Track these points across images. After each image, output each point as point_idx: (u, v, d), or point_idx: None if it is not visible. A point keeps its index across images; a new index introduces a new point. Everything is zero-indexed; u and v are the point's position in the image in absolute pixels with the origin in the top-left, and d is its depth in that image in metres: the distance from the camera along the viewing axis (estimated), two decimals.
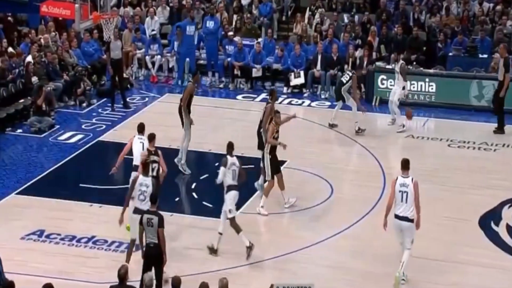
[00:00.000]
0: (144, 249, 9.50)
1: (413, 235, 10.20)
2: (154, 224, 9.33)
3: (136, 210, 10.14)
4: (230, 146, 10.93)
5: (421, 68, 17.77)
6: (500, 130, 15.61)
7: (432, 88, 17.36)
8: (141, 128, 11.54)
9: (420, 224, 10.21)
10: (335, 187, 13.23)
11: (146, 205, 9.97)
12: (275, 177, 12.24)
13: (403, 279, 10.28)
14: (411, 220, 10.13)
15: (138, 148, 11.31)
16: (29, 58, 16.74)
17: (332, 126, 15.41)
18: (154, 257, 9.40)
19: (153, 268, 9.28)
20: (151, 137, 11.16)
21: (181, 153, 13.39)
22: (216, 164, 14.01)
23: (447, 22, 19.04)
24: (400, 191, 10.08)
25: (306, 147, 14.92)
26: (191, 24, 18.12)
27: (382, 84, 17.59)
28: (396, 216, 10.20)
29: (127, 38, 18.58)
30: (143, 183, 10.17)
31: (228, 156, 10.89)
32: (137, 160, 11.17)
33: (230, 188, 10.89)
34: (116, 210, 12.10)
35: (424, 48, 18.48)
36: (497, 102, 15.67)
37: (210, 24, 18.29)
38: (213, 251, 10.77)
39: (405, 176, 10.23)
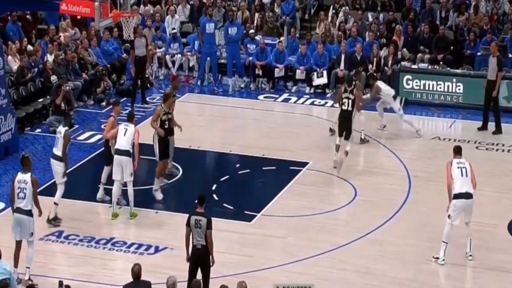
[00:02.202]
0: (190, 250, 9.51)
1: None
2: (202, 225, 9.38)
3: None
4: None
5: (448, 68, 17.67)
6: (498, 130, 15.62)
7: (459, 89, 17.26)
8: (130, 117, 12.21)
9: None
10: (359, 189, 13.19)
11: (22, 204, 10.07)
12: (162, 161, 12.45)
13: (471, 255, 10.90)
14: (472, 196, 10.72)
15: (121, 134, 11.90)
16: (49, 57, 16.90)
17: (332, 131, 15.11)
18: (202, 259, 9.44)
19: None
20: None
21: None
22: (237, 165, 14.14)
23: (476, 21, 18.91)
24: (458, 167, 10.73)
25: (330, 148, 14.88)
26: (210, 22, 18.11)
27: (408, 84, 17.51)
28: (460, 196, 10.69)
29: (147, 36, 18.66)
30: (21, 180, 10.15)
31: None
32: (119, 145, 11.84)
33: None
34: (137, 211, 12.25)
35: (451, 47, 18.38)
36: (494, 103, 15.59)
37: (232, 31, 18.11)
38: None
39: (459, 158, 10.87)
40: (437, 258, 10.89)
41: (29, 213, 10.13)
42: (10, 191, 10.31)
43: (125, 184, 12.00)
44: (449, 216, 10.78)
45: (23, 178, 10.17)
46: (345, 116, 13.62)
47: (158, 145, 12.49)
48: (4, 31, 17.15)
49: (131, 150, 11.90)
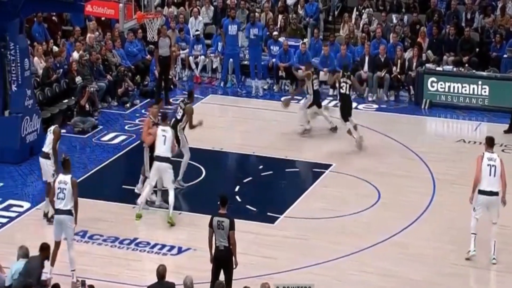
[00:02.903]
0: (213, 252, 9.59)
1: (499, 209, 10.78)
2: (225, 226, 9.46)
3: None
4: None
5: (474, 71, 17.59)
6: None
7: (485, 91, 17.17)
8: (164, 117, 12.43)
9: (506, 201, 10.75)
10: (382, 192, 13.20)
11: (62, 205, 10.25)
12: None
13: (494, 258, 10.84)
14: (497, 193, 10.72)
15: (161, 142, 12.07)
16: (75, 55, 17.07)
17: (305, 131, 15.33)
18: (224, 260, 9.51)
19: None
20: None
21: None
22: (260, 167, 14.21)
23: (502, 22, 18.80)
24: (488, 165, 10.73)
25: (353, 151, 14.91)
26: (233, 24, 18.20)
27: (432, 86, 17.47)
28: (483, 192, 10.75)
29: (170, 38, 18.79)
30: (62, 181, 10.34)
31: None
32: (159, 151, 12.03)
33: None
34: (160, 212, 12.39)
35: (477, 49, 18.29)
36: None
37: (253, 32, 18.10)
38: None
39: (491, 152, 10.80)
40: (469, 251, 10.98)
41: (69, 212, 10.28)
42: (51, 193, 10.48)
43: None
44: (474, 208, 10.91)
45: (64, 179, 10.37)
46: (345, 99, 14.81)
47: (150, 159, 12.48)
48: (30, 32, 17.38)
49: (171, 157, 12.00)
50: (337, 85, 15.15)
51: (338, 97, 15.08)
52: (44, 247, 9.12)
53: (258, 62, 18.38)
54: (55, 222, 10.41)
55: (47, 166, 11.85)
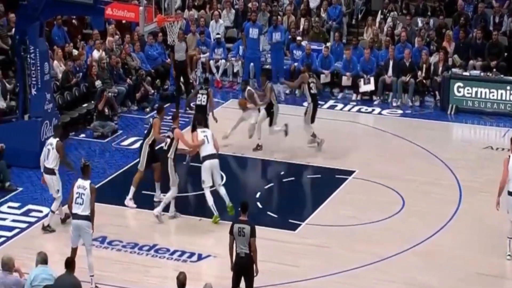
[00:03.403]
0: (234, 259, 9.64)
1: None
2: (246, 233, 9.51)
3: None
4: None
5: (502, 76, 17.52)
6: None
7: None
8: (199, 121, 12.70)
9: None
10: (407, 199, 13.18)
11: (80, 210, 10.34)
12: (154, 167, 12.66)
13: (509, 255, 10.95)
14: None
15: (205, 142, 12.41)
16: (95, 54, 17.19)
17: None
18: (245, 267, 9.55)
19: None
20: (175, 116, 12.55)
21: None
22: (282, 173, 14.25)
23: None
24: None
25: (376, 157, 14.91)
26: (254, 27, 18.27)
27: (459, 92, 17.42)
28: (510, 193, 10.78)
29: (191, 41, 18.94)
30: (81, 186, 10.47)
31: None
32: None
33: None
34: (180, 218, 12.47)
35: (505, 54, 18.20)
36: None
37: (276, 36, 18.16)
38: None
39: None
40: (509, 255, 11.09)
41: (87, 218, 10.41)
42: (69, 197, 10.61)
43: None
44: (507, 211, 10.97)
45: (83, 184, 10.51)
46: (315, 99, 14.91)
47: (148, 154, 12.67)
48: (50, 35, 17.59)
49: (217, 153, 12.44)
50: (305, 86, 14.77)
51: (310, 99, 14.77)
52: (70, 262, 8.99)
53: (280, 67, 18.43)
54: (72, 227, 10.54)
55: (52, 181, 11.90)
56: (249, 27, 18.31)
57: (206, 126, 13.21)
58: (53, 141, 11.95)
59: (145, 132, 13.12)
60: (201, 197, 13.29)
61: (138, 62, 18.10)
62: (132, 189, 12.79)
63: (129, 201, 12.79)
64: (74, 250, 10.49)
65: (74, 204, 10.48)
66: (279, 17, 19.24)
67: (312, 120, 14.84)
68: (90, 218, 10.42)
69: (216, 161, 12.37)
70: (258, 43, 18.37)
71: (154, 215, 12.28)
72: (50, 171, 11.90)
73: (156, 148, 12.86)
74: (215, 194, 12.40)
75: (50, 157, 11.88)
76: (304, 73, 15.08)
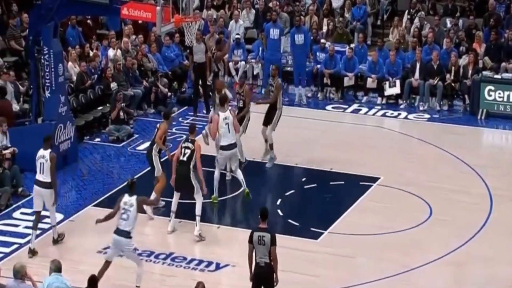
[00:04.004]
0: (253, 269, 9.62)
1: None
2: (266, 242, 9.49)
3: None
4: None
5: None
6: None
7: None
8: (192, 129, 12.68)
9: None
10: (434, 208, 13.08)
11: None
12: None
13: None
14: None
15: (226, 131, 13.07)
16: (110, 53, 17.24)
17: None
18: (265, 277, 9.54)
19: None
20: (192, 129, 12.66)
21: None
22: (303, 179, 14.21)
23: None
24: None
25: (402, 163, 14.82)
26: (275, 27, 18.23)
27: (489, 95, 17.27)
28: None
29: (209, 42, 18.93)
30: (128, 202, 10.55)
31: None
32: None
33: None
34: (199, 226, 12.44)
35: None
36: None
37: (299, 38, 17.95)
38: None
39: None
40: None
41: (127, 235, 10.51)
42: (114, 210, 10.68)
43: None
44: None
45: (130, 201, 10.55)
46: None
47: (159, 160, 12.80)
48: (64, 36, 17.68)
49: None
50: (280, 93, 14.60)
51: (281, 104, 14.49)
52: (93, 281, 8.99)
53: (303, 69, 18.37)
54: (113, 242, 10.56)
55: (49, 195, 11.60)
56: (269, 27, 18.28)
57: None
58: (45, 153, 11.54)
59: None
60: (219, 204, 13.30)
61: (155, 64, 18.14)
62: (153, 195, 12.71)
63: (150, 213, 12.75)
64: (108, 264, 10.54)
65: (119, 219, 10.52)
66: (301, 17, 19.18)
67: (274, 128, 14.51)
68: (130, 235, 10.50)
69: (235, 151, 13.09)
70: (279, 44, 18.33)
71: (196, 235, 12.14)
72: (47, 185, 11.55)
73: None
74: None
75: (45, 170, 11.51)
76: (274, 77, 14.67)
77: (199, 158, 12.21)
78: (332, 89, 18.45)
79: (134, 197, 10.63)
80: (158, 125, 13.15)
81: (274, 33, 18.11)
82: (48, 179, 11.55)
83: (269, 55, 18.32)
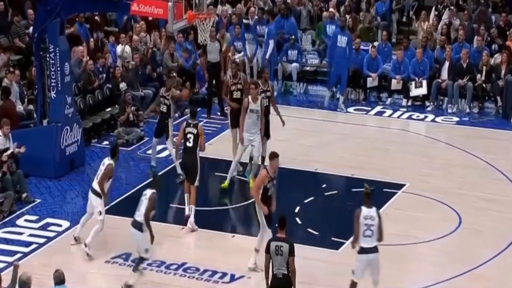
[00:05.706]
0: (270, 280, 9.65)
1: None
2: (284, 252, 9.52)
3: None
4: None
5: None
6: None
7: None
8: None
9: None
10: (464, 217, 13.09)
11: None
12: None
13: None
14: None
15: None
16: (118, 50, 17.37)
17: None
18: None
19: None
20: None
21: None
22: (324, 185, 14.25)
23: None
24: None
25: (430, 169, 14.83)
26: (343, 35, 17.40)
27: None
28: None
29: (224, 39, 18.98)
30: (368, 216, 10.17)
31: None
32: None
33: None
34: (211, 235, 12.55)
35: None
36: None
37: (342, 40, 17.48)
38: None
39: None
40: None
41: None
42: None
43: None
44: None
45: (372, 214, 10.25)
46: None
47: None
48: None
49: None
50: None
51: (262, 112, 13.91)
52: None
53: (343, 72, 17.69)
54: (365, 260, 10.25)
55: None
56: (337, 33, 17.59)
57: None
58: (147, 191, 11.34)
59: (192, 142, 12.69)
60: (234, 212, 13.39)
61: (183, 62, 18.02)
62: (193, 208, 12.66)
63: (193, 223, 12.67)
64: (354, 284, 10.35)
65: (363, 236, 10.17)
66: (346, 17, 18.62)
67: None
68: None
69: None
70: (346, 53, 17.52)
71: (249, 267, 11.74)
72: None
73: (181, 147, 12.96)
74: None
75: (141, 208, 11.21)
76: (267, 80, 14.26)
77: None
78: (355, 90, 18.36)
79: (374, 208, 10.26)
80: (198, 128, 12.77)
81: (342, 40, 17.54)
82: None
83: (337, 64, 17.57)
